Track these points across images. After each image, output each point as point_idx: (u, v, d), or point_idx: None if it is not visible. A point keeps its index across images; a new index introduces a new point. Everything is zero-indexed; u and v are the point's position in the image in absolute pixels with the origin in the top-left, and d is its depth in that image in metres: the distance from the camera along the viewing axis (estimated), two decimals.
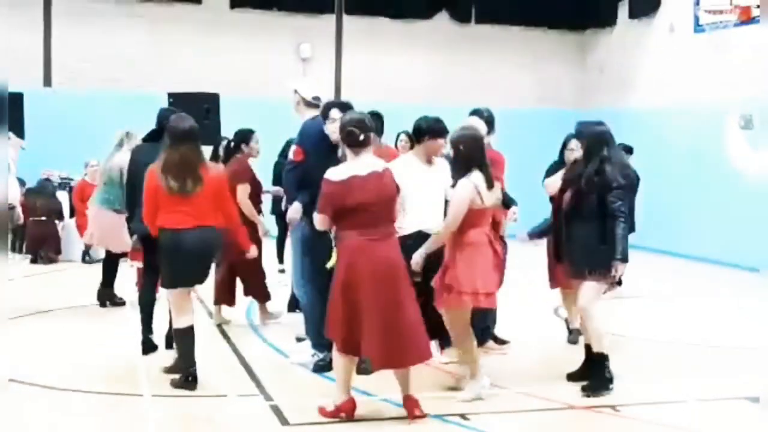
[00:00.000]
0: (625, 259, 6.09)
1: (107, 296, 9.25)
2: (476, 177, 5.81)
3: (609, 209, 6.04)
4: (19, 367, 6.57)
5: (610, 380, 6.20)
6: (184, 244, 5.99)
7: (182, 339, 6.18)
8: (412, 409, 5.54)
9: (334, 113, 6.55)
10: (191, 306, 6.32)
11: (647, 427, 5.68)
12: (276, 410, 5.72)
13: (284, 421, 5.53)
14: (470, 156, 5.88)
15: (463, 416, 5.66)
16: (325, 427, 5.50)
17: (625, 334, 8.10)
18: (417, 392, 5.63)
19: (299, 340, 7.30)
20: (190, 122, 6.22)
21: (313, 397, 5.86)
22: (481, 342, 7.44)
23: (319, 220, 5.51)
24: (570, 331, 7.70)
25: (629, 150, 10.73)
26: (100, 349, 7.31)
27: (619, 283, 10.66)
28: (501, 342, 7.54)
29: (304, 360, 6.80)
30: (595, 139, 6.26)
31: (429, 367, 6.77)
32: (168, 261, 6.12)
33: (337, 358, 5.60)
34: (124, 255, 9.11)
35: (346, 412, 5.57)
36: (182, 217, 6.00)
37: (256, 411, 5.77)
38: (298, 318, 7.41)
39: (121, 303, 9.20)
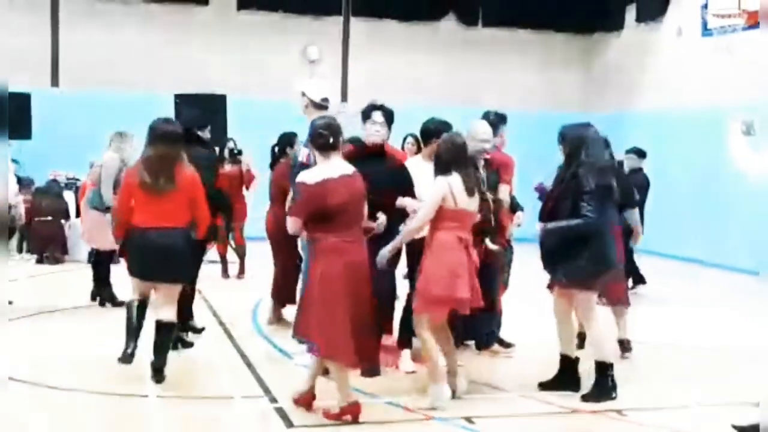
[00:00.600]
0: (596, 265, 6.03)
1: (101, 295, 9.30)
2: (454, 179, 5.79)
3: (579, 214, 5.93)
4: (22, 367, 6.59)
5: (614, 388, 6.15)
6: (149, 243, 6.23)
7: (136, 313, 6.41)
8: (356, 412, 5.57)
9: (377, 116, 6.60)
10: (149, 291, 6.49)
11: (653, 431, 5.66)
12: (281, 412, 5.71)
13: (289, 423, 5.52)
14: (450, 159, 5.85)
15: (468, 419, 5.65)
16: (330, 429, 5.49)
17: (629, 338, 8.08)
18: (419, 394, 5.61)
19: (302, 341, 7.29)
20: (174, 126, 6.51)
21: (319, 399, 5.85)
22: (486, 345, 7.46)
23: (292, 224, 5.55)
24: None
25: (642, 154, 10.65)
26: (104, 350, 7.28)
27: (642, 281, 10.66)
28: (506, 345, 7.53)
29: (309, 361, 6.78)
30: (574, 142, 6.14)
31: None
32: (132, 256, 6.39)
33: (330, 362, 5.61)
34: (110, 253, 9.17)
35: (351, 414, 5.56)
36: (151, 216, 6.23)
37: (261, 412, 5.76)
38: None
39: (119, 304, 9.23)
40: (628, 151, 10.46)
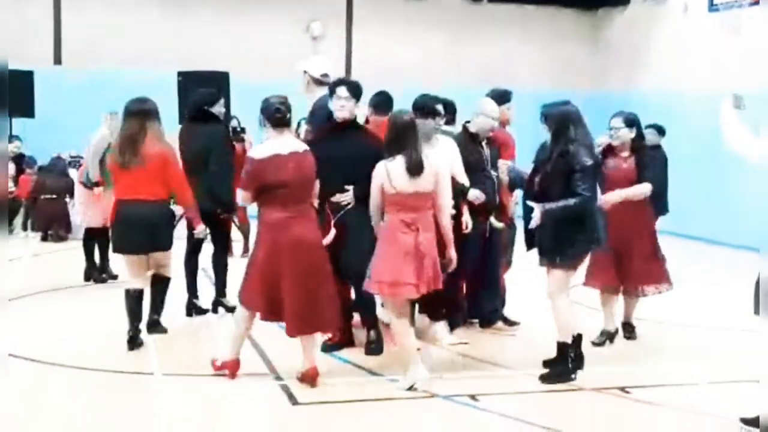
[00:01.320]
0: (585, 244, 6.06)
1: (92, 275, 9.36)
2: (393, 162, 5.66)
3: (573, 191, 5.82)
4: (25, 345, 6.62)
5: (574, 370, 6.00)
6: (124, 215, 6.61)
7: (131, 300, 6.73)
8: (312, 379, 5.78)
9: (341, 91, 6.48)
10: (143, 272, 6.81)
11: (657, 409, 5.66)
12: (285, 389, 5.73)
13: (294, 401, 5.54)
14: (391, 140, 5.76)
15: (472, 397, 5.66)
16: (335, 406, 5.52)
17: (635, 316, 8.08)
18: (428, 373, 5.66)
19: None
20: (142, 105, 6.74)
21: (323, 377, 5.86)
22: (490, 323, 7.46)
23: (242, 197, 5.78)
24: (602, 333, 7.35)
25: (662, 131, 10.48)
26: (108, 328, 7.32)
27: None
28: (511, 323, 7.53)
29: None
30: (560, 119, 6.02)
31: (438, 347, 6.81)
32: (113, 229, 6.92)
33: (241, 317, 5.90)
34: (103, 230, 9.19)
35: (230, 369, 5.91)
36: (123, 188, 6.63)
37: (265, 390, 5.78)
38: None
39: (103, 280, 9.32)
40: (647, 127, 10.08)
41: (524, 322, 7.54)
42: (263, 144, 5.79)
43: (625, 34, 17.08)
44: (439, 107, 6.73)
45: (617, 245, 6.73)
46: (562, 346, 6.04)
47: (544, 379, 6.02)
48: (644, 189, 6.88)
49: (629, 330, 7.36)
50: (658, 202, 7.91)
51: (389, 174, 5.64)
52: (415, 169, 5.62)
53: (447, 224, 5.96)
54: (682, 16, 15.21)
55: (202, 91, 8.09)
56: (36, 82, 13.67)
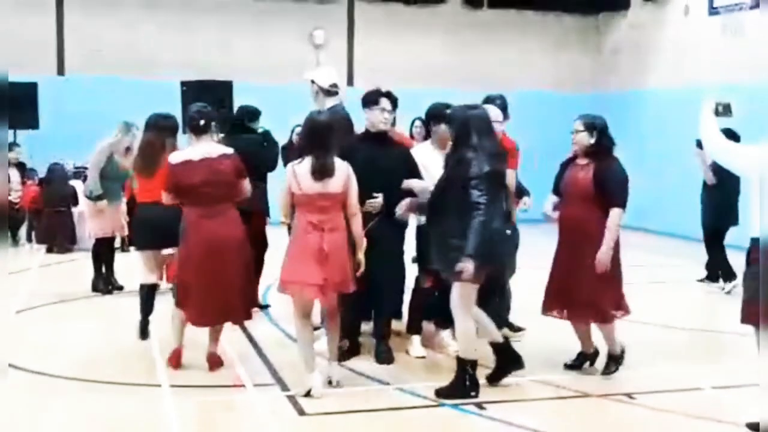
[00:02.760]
0: (478, 257, 5.42)
1: (97, 287, 9.40)
2: (302, 163, 5.73)
3: (468, 202, 5.44)
4: (33, 357, 6.64)
5: (473, 387, 5.76)
6: (142, 215, 7.34)
7: (145, 294, 7.37)
8: (213, 364, 6.36)
9: (385, 103, 6.60)
10: (157, 268, 7.47)
11: (663, 415, 5.66)
12: (292, 400, 5.74)
13: (301, 411, 5.55)
14: (306, 140, 5.88)
15: (479, 405, 5.67)
16: (342, 416, 5.53)
17: (638, 319, 8.09)
18: (435, 381, 5.64)
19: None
20: (164, 120, 7.46)
21: (331, 387, 5.88)
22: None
23: (165, 198, 6.29)
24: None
25: (735, 136, 8.30)
26: (115, 339, 7.36)
27: (732, 276, 9.66)
28: (516, 329, 7.54)
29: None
30: (461, 125, 5.68)
31: (442, 355, 6.82)
32: (134, 228, 7.72)
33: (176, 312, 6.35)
34: (107, 241, 9.47)
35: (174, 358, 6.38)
36: (143, 192, 7.40)
37: (272, 401, 5.80)
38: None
39: (109, 291, 9.35)
40: None
41: (529, 328, 7.54)
42: (183, 149, 6.46)
43: (626, 37, 17.11)
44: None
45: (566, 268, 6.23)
46: (461, 361, 5.79)
47: (438, 393, 5.77)
48: (615, 219, 6.06)
49: (591, 360, 6.56)
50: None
51: (296, 175, 5.74)
52: (320, 172, 5.69)
53: (357, 227, 5.91)
54: (683, 19, 15.23)
55: (245, 107, 8.72)
56: (40, 94, 13.72)
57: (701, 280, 10.23)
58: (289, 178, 5.77)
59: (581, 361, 6.52)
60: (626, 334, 7.32)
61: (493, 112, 7.08)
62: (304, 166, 5.73)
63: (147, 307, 7.31)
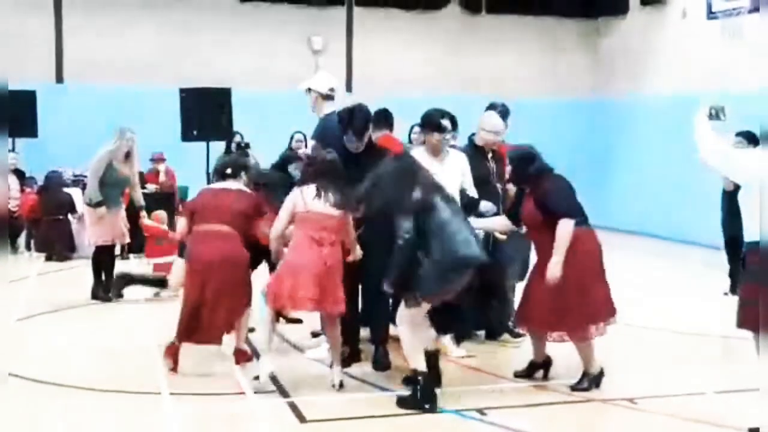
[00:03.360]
0: (400, 284, 5.61)
1: (97, 295, 9.37)
2: (310, 188, 6.00)
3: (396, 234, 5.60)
4: (33, 365, 6.62)
5: (425, 399, 5.67)
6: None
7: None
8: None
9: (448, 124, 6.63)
10: None
11: (666, 420, 5.63)
12: (293, 407, 5.72)
13: (302, 418, 5.53)
14: (312, 175, 6.08)
15: (480, 411, 5.64)
16: (343, 423, 5.52)
17: (639, 324, 8.09)
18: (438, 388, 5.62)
19: (315, 335, 7.31)
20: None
21: (331, 393, 5.87)
22: (496, 335, 7.45)
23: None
24: None
25: (753, 139, 8.34)
26: (115, 347, 7.33)
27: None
28: (516, 335, 7.51)
29: (320, 355, 6.81)
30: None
31: (445, 361, 6.79)
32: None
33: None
34: (107, 248, 9.45)
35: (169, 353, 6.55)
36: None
37: (273, 408, 5.77)
38: (315, 314, 7.41)
39: (108, 299, 9.32)
40: (737, 134, 8.96)
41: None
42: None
43: (625, 41, 17.12)
44: (445, 122, 6.69)
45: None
46: (413, 373, 5.77)
47: (399, 402, 5.76)
48: (562, 230, 5.93)
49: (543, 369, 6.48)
50: None
51: (303, 195, 5.98)
52: (339, 204, 5.94)
53: (350, 235, 6.17)
54: (681, 23, 15.25)
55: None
56: (38, 101, 13.73)
57: (727, 294, 9.81)
58: (295, 198, 6.02)
59: (531, 371, 6.43)
60: (627, 338, 7.33)
61: (494, 119, 7.08)
62: (310, 189, 5.99)
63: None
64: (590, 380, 6.13)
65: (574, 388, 6.12)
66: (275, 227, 6.14)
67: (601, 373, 6.14)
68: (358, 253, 6.24)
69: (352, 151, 6.51)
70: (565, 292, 5.87)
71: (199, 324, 6.41)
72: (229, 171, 6.88)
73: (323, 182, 6.02)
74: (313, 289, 5.81)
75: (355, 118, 6.52)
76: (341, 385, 6.04)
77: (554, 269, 5.87)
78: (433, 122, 6.63)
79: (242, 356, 6.61)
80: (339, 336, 6.15)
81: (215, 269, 6.36)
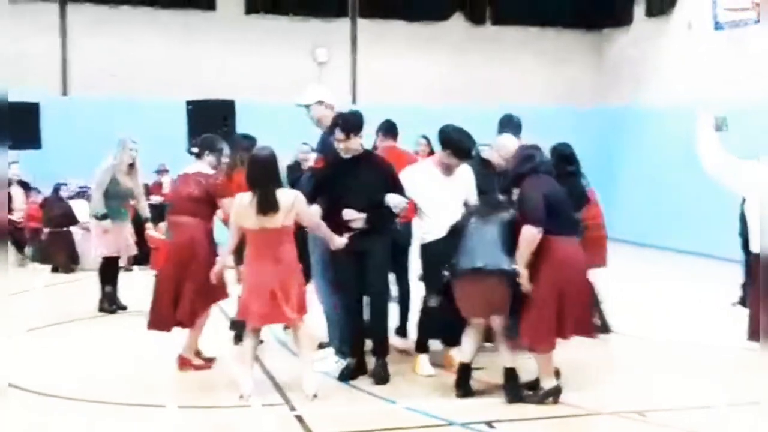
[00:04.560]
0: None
1: (103, 307, 9.35)
2: (245, 197, 6.00)
3: None
4: (37, 378, 6.59)
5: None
6: None
7: None
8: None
9: (337, 133, 6.53)
10: None
11: None
12: (300, 419, 5.68)
13: (308, 430, 5.49)
14: (248, 175, 6.09)
15: (489, 423, 5.60)
16: None
17: (648, 336, 8.04)
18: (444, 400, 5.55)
19: (321, 347, 7.27)
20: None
21: (338, 405, 5.82)
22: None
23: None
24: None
25: None
26: (119, 359, 7.30)
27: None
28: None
29: (327, 367, 6.76)
30: None
31: (453, 373, 6.75)
32: None
33: None
34: (113, 261, 9.44)
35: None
36: None
37: (280, 420, 5.74)
38: (321, 325, 7.38)
39: (113, 311, 9.30)
40: None
41: None
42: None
43: (629, 52, 17.11)
44: (471, 152, 6.68)
45: None
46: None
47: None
48: (522, 237, 5.83)
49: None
50: None
51: (243, 209, 5.99)
52: (263, 209, 5.89)
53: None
54: (687, 34, 15.23)
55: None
56: (43, 113, 13.75)
57: (735, 305, 9.63)
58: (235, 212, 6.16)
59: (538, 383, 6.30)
60: (636, 350, 7.28)
61: (502, 142, 7.02)
62: (244, 200, 6.02)
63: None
64: (540, 395, 6.05)
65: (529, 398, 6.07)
66: (229, 240, 6.23)
67: (558, 390, 6.02)
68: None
69: (338, 151, 6.48)
70: (529, 301, 5.82)
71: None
72: (195, 150, 7.04)
73: (257, 186, 6.00)
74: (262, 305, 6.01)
75: (344, 119, 6.54)
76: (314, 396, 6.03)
77: (521, 279, 5.82)
78: (460, 148, 6.51)
79: (183, 362, 6.85)
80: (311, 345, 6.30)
81: (180, 258, 6.73)
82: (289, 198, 5.98)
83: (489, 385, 6.32)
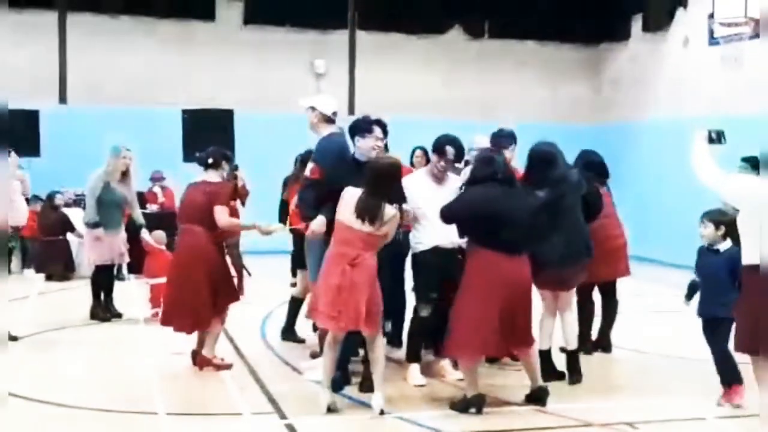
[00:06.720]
0: None
1: (97, 314, 9.34)
2: (352, 192, 5.95)
3: None
4: (30, 385, 6.58)
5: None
6: None
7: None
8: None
9: (378, 131, 6.69)
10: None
11: None
12: (290, 428, 5.68)
13: None
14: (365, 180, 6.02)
15: None
16: None
17: (640, 348, 8.06)
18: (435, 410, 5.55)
19: (314, 356, 7.27)
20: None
21: (329, 415, 5.83)
22: (496, 358, 7.41)
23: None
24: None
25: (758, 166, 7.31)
26: (112, 367, 7.31)
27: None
28: (516, 358, 7.47)
29: (318, 377, 6.75)
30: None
31: (444, 383, 6.77)
32: None
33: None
34: (106, 269, 9.42)
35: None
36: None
37: (270, 429, 5.74)
38: (313, 334, 7.40)
39: (107, 318, 9.30)
40: (743, 159, 8.73)
41: None
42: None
43: (626, 68, 17.17)
44: (450, 149, 6.69)
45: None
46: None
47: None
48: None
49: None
50: None
51: (345, 202, 5.90)
52: (363, 213, 5.81)
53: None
54: (683, 50, 15.30)
55: None
56: (42, 122, 13.77)
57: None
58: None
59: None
60: (628, 362, 7.29)
61: (477, 139, 7.17)
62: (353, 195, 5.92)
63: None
64: (460, 404, 6.06)
65: (451, 406, 6.09)
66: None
67: (482, 400, 6.05)
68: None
69: (369, 149, 6.60)
70: (459, 313, 5.94)
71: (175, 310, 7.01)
72: (210, 161, 7.12)
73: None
74: (322, 308, 5.93)
75: (363, 120, 6.81)
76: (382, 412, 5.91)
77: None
78: (435, 145, 6.69)
79: (203, 362, 7.03)
80: (382, 357, 6.08)
81: (186, 264, 6.94)
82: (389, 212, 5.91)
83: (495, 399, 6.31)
